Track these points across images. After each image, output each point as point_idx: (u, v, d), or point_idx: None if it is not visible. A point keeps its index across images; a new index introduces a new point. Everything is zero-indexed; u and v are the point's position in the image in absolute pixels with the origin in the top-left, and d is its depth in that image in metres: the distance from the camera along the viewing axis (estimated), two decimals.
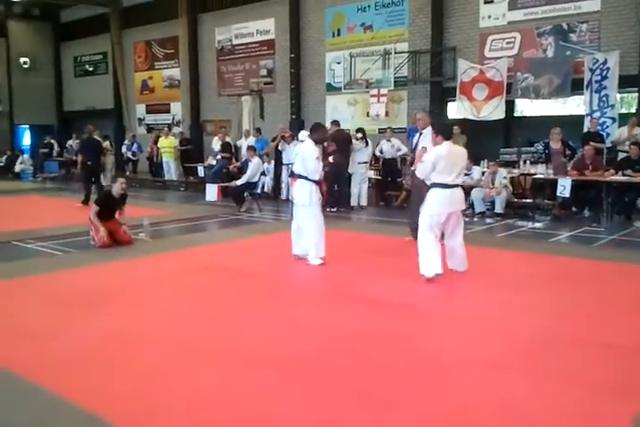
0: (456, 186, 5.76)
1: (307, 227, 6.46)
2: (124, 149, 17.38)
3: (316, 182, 6.49)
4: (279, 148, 12.53)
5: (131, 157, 17.67)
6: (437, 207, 5.70)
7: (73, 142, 19.59)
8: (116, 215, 7.67)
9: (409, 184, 8.39)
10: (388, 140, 11.76)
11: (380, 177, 12.23)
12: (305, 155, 6.52)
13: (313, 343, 4.06)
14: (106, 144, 16.91)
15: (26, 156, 20.71)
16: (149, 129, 20.71)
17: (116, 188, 7.57)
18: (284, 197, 12.44)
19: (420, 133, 7.30)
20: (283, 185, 12.58)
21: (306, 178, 6.44)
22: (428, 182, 5.84)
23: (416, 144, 7.27)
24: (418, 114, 7.74)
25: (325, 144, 7.80)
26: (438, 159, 5.64)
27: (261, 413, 3.02)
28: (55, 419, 3.01)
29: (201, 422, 2.94)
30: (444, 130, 6.01)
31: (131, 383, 3.39)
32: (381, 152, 11.75)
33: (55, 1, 21.90)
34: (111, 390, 3.29)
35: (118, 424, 2.90)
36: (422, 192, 6.66)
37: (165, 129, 17.64)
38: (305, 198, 6.45)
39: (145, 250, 7.35)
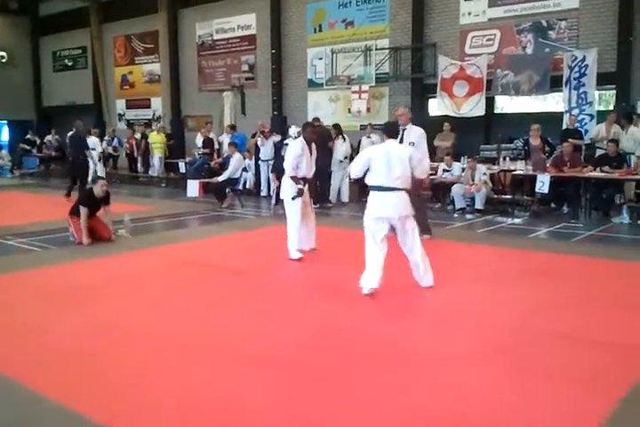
0: (395, 189, 5.08)
1: (287, 221, 6.55)
2: (104, 144, 17.23)
3: (298, 179, 6.52)
4: (258, 144, 12.51)
5: (112, 152, 17.52)
6: (371, 212, 5.15)
7: (52, 138, 19.39)
8: (99, 212, 7.62)
9: None
10: (369, 137, 11.80)
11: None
12: (287, 151, 6.61)
13: (297, 339, 4.08)
14: (92, 138, 16.81)
15: (4, 151, 20.44)
16: (130, 124, 20.52)
17: (97, 189, 7.49)
18: (264, 193, 12.42)
19: (404, 129, 7.21)
20: (262, 181, 12.54)
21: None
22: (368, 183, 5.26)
23: (400, 141, 7.26)
24: (399, 109, 7.64)
25: None
26: (369, 159, 5.13)
27: (249, 408, 3.04)
28: (39, 417, 3.01)
29: (189, 419, 2.95)
30: (389, 128, 5.58)
31: (115, 380, 3.39)
32: (361, 148, 11.77)
33: None
34: (96, 388, 3.28)
35: (104, 422, 2.90)
36: (416, 190, 6.71)
37: (159, 125, 17.59)
38: (284, 194, 6.59)
39: (125, 246, 7.32)
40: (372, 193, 5.19)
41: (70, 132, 12.58)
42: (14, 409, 3.08)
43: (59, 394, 3.19)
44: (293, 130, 7.45)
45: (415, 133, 7.14)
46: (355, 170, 5.26)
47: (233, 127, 14.37)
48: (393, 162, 5.07)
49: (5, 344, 3.97)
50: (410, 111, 7.53)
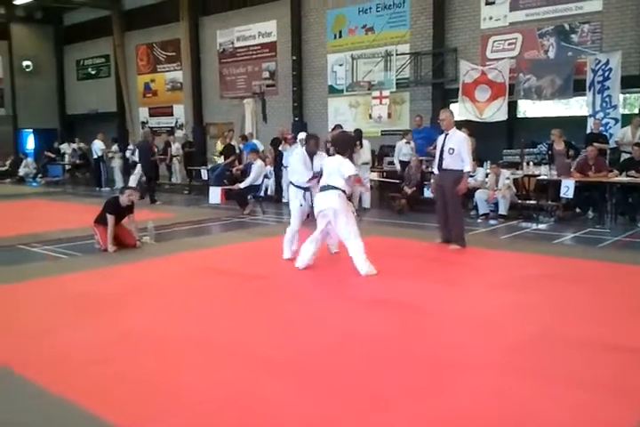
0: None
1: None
2: (127, 153, 17.40)
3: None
4: (280, 148, 12.56)
5: (137, 160, 17.65)
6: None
7: (76, 146, 19.64)
8: (124, 220, 7.69)
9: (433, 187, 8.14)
10: (408, 143, 11.90)
11: (384, 179, 12.31)
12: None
13: (319, 343, 4.07)
14: (114, 148, 17.05)
15: (29, 159, 20.79)
16: (153, 132, 20.69)
17: (124, 198, 7.53)
18: (285, 199, 12.42)
19: (446, 134, 7.18)
20: (284, 187, 12.54)
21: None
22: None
23: (442, 146, 7.18)
24: (441, 113, 7.49)
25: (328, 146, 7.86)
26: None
27: (271, 412, 3.05)
28: (64, 421, 3.03)
29: (212, 423, 2.96)
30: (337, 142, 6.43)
31: (138, 385, 3.41)
32: (397, 152, 12.05)
33: (58, 4, 21.93)
34: (119, 393, 3.31)
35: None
36: (452, 191, 6.72)
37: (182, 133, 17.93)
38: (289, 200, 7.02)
39: (149, 253, 7.38)
40: None
41: (138, 140, 14.15)
42: (38, 414, 3.11)
43: (83, 399, 3.20)
44: (301, 135, 7.49)
45: (457, 138, 7.08)
46: None
47: (244, 137, 14.56)
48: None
49: (29, 349, 4.01)
50: (452, 115, 7.38)
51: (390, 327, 4.41)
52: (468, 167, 7.12)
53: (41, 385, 3.41)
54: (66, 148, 19.87)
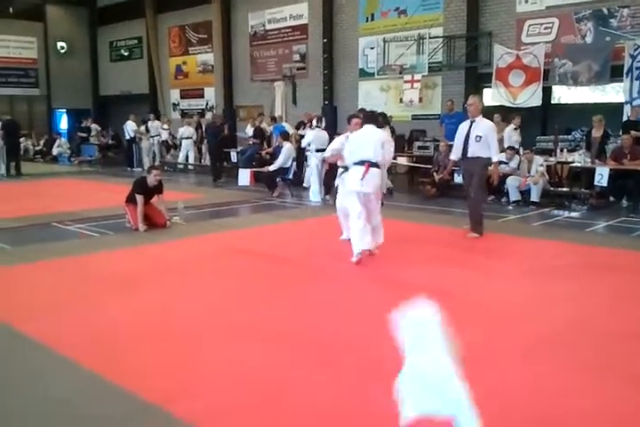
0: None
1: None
2: (165, 134, 17.46)
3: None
4: (299, 131, 12.53)
5: (170, 142, 17.79)
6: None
7: (98, 128, 19.93)
8: (154, 200, 7.78)
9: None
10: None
11: (413, 164, 12.22)
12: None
13: (340, 324, 4.11)
14: (141, 129, 17.18)
15: (63, 139, 21.08)
16: (184, 114, 20.85)
17: (150, 179, 7.62)
18: (306, 184, 11.83)
19: (472, 121, 6.94)
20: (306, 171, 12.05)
21: None
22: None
23: (468, 133, 6.91)
24: (469, 98, 7.31)
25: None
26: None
27: (292, 387, 3.11)
28: (93, 394, 3.11)
29: (238, 394, 3.01)
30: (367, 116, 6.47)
31: (166, 360, 3.48)
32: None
33: None
34: (148, 368, 3.38)
35: (158, 401, 2.98)
36: (477, 177, 6.62)
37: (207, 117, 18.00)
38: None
39: (179, 233, 7.46)
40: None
41: (207, 122, 15.11)
42: (68, 387, 3.20)
43: (112, 373, 3.28)
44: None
45: (484, 126, 6.89)
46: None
47: (273, 119, 14.71)
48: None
49: (60, 324, 4.11)
50: (481, 102, 7.16)
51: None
52: (495, 157, 6.97)
53: (72, 360, 3.50)
54: (94, 127, 20.10)
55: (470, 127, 6.92)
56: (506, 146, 10.46)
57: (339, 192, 6.68)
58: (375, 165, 5.99)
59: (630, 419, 2.85)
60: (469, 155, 6.95)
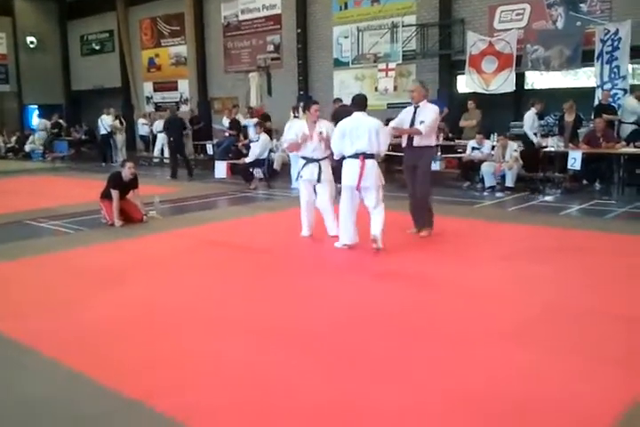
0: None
1: None
2: (145, 129, 17.23)
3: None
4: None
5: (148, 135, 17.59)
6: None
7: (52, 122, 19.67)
8: (129, 195, 7.71)
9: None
10: None
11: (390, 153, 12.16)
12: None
13: (327, 316, 4.11)
14: (115, 122, 16.98)
15: (36, 135, 20.73)
16: (157, 107, 20.64)
17: (125, 172, 7.54)
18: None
19: (416, 107, 6.45)
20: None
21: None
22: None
23: (412, 120, 6.43)
24: (411, 85, 6.93)
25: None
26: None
27: (278, 382, 3.10)
28: (75, 393, 3.08)
29: (223, 393, 3.01)
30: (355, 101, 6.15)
31: (148, 357, 3.46)
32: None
33: None
34: (130, 365, 3.36)
35: (140, 398, 2.97)
36: (423, 170, 6.53)
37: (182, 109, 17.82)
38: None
39: (156, 227, 7.41)
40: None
41: (167, 116, 14.19)
42: (50, 386, 3.17)
43: (94, 371, 3.26)
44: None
45: (428, 110, 6.42)
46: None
47: (250, 110, 14.76)
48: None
49: (40, 322, 4.07)
50: (424, 87, 6.60)
51: (400, 300, 4.43)
52: (422, 129, 6.33)
53: (53, 358, 3.47)
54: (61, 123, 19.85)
55: (415, 113, 6.45)
56: (528, 132, 10.40)
57: (300, 184, 6.65)
58: (371, 156, 5.81)
59: (608, 397, 2.90)
60: (415, 144, 6.43)
